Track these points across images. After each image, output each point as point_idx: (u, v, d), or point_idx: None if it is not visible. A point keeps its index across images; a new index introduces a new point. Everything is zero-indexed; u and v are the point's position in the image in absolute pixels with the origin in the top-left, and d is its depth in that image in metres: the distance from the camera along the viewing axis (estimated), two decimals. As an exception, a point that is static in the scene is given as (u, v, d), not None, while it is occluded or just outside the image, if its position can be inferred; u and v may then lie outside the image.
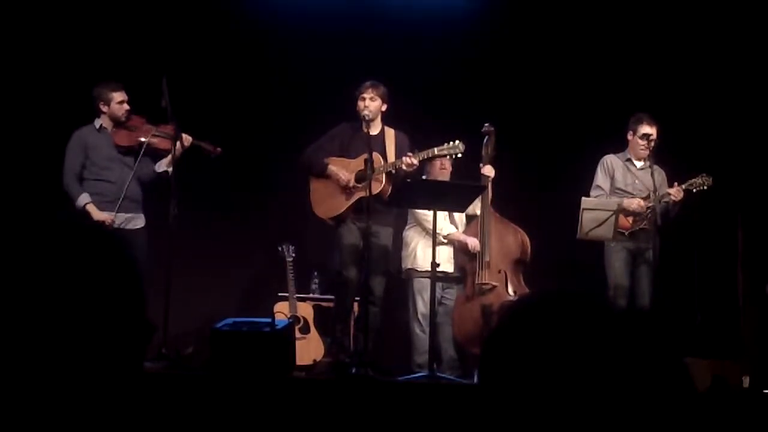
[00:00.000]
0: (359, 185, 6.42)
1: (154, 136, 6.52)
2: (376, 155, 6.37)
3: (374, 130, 6.51)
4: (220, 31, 7.91)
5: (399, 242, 7.00)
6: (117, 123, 6.65)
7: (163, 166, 6.57)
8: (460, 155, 6.43)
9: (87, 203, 6.51)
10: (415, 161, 6.32)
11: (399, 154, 6.47)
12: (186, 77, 7.03)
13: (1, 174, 7.26)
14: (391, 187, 6.42)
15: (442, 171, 6.97)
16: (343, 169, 6.48)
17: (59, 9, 7.64)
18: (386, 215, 6.55)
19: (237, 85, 7.88)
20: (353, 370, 6.09)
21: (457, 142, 6.33)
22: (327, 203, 6.55)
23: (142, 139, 6.54)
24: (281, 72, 7.92)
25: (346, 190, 6.47)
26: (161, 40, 7.62)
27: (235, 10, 8.05)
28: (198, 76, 7.59)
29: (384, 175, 6.37)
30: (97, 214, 6.47)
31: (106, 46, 7.56)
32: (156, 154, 6.61)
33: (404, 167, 6.32)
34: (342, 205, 6.49)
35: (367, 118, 6.42)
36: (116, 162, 6.60)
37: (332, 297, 7.30)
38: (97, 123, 6.69)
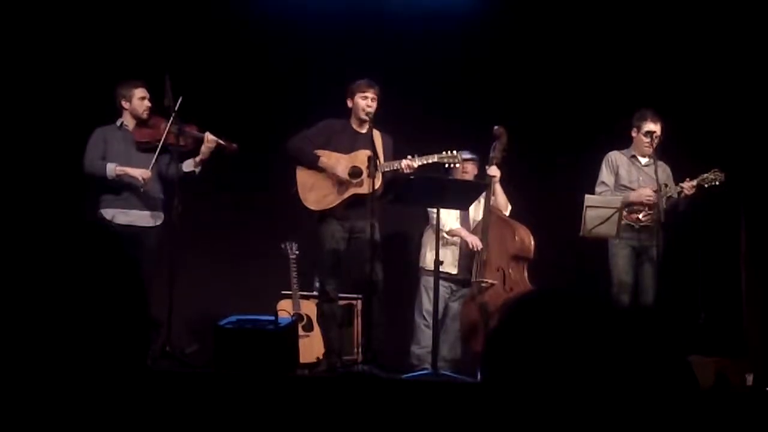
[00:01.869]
0: (353, 181, 6.43)
1: (172, 133, 6.50)
2: (371, 155, 6.41)
3: (364, 129, 6.52)
4: (223, 30, 7.92)
5: (410, 237, 7.08)
6: (139, 121, 6.66)
7: (190, 165, 6.58)
8: (458, 165, 6.52)
9: (116, 167, 6.47)
10: (415, 164, 6.34)
11: (385, 155, 6.49)
12: (189, 75, 7.03)
13: (5, 177, 7.27)
14: (383, 186, 6.45)
15: (464, 174, 7.04)
16: (336, 164, 6.48)
17: (60, 8, 7.65)
18: (373, 211, 6.52)
19: (240, 83, 7.88)
20: (357, 368, 6.11)
21: (455, 152, 6.41)
22: (318, 195, 6.53)
23: (161, 137, 6.53)
24: (285, 70, 7.92)
25: (340, 185, 6.47)
26: (164, 38, 7.62)
27: (238, 9, 8.05)
28: (201, 74, 7.59)
29: (379, 174, 6.39)
30: (133, 171, 6.45)
31: (107, 46, 7.57)
32: (179, 153, 6.60)
33: (403, 169, 6.34)
34: (334, 199, 6.48)
35: (368, 117, 6.44)
36: (135, 159, 6.58)
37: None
38: (119, 122, 6.70)
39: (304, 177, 6.57)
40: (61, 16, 7.63)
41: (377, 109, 6.55)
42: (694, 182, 6.61)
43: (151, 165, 6.47)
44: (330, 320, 6.61)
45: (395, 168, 6.37)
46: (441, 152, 6.42)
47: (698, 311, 7.08)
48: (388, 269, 6.58)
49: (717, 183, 6.60)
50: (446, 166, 6.60)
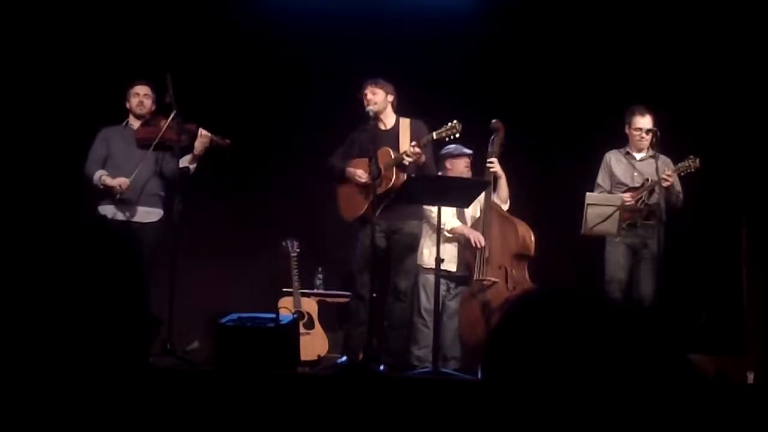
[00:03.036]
0: (374, 182, 6.44)
1: (169, 129, 6.51)
2: (385, 150, 6.40)
3: (388, 124, 6.57)
4: (223, 28, 7.92)
5: None
6: (142, 120, 6.69)
7: (185, 161, 6.59)
8: (458, 135, 6.42)
9: (102, 176, 6.56)
10: (418, 150, 6.32)
11: (415, 141, 6.48)
12: (190, 73, 7.04)
13: (7, 175, 7.28)
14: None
15: (465, 170, 6.98)
16: (359, 168, 6.51)
17: (63, 8, 7.66)
18: (410, 208, 6.56)
19: (241, 81, 7.89)
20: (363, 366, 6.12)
21: (454, 122, 6.32)
22: (350, 205, 6.60)
23: (158, 133, 6.55)
24: (286, 68, 7.93)
25: (364, 189, 6.49)
26: (165, 36, 7.63)
27: (239, 6, 8.06)
28: (202, 72, 7.59)
29: (394, 169, 6.38)
30: (110, 181, 6.53)
31: (109, 43, 7.58)
32: (179, 150, 6.60)
33: (409, 157, 6.33)
34: (362, 204, 6.51)
35: (372, 113, 6.46)
36: (136, 157, 6.60)
37: (337, 293, 7.37)
38: (125, 121, 6.76)
39: (342, 191, 6.65)
40: (65, 16, 7.64)
41: (395, 97, 6.58)
42: (670, 171, 6.61)
43: (137, 168, 6.49)
44: (352, 318, 6.63)
45: (404, 158, 6.36)
46: (439, 128, 6.40)
47: (699, 310, 7.08)
48: (381, 269, 6.60)
49: (692, 170, 6.60)
50: (447, 139, 6.56)
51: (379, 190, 6.34)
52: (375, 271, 6.51)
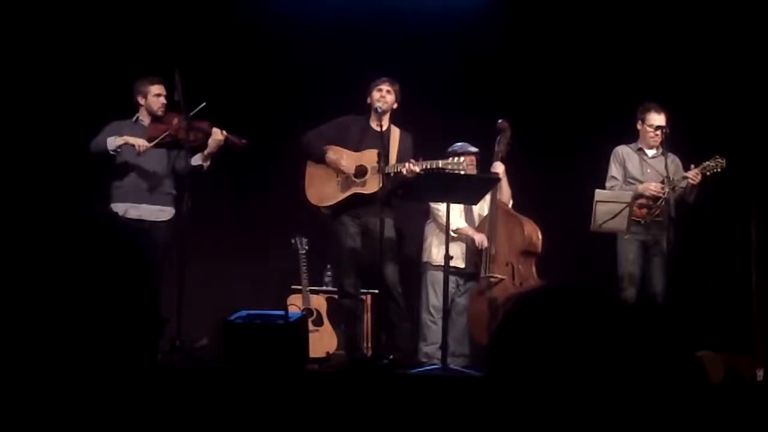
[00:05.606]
0: (357, 180, 6.40)
1: (181, 128, 6.50)
2: (377, 153, 6.34)
3: (382, 126, 6.48)
4: (233, 26, 7.93)
5: (410, 233, 7.05)
6: (154, 117, 6.67)
7: (198, 160, 6.59)
8: (463, 172, 6.39)
9: (116, 138, 6.47)
10: (417, 169, 6.25)
11: (402, 154, 6.42)
12: (199, 71, 7.04)
13: (18, 172, 7.30)
14: (389, 187, 6.36)
15: (469, 167, 6.98)
16: (341, 161, 6.45)
17: (72, 4, 7.67)
18: (384, 208, 6.47)
19: (248, 80, 7.89)
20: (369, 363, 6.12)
21: (462, 159, 6.33)
22: (320, 190, 6.52)
23: (172, 132, 6.55)
24: (293, 67, 7.92)
25: (343, 181, 6.44)
26: (174, 34, 7.63)
27: (249, 4, 8.06)
28: (210, 69, 7.60)
29: (382, 176, 6.29)
30: (132, 139, 6.46)
31: (117, 41, 7.59)
32: (190, 148, 6.59)
33: (405, 173, 6.28)
34: (335, 196, 6.46)
35: (380, 110, 6.39)
36: (148, 155, 6.59)
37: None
38: (135, 117, 6.73)
39: (312, 171, 6.57)
40: (75, 12, 7.65)
41: (398, 106, 6.52)
42: (698, 170, 6.59)
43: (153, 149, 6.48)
44: (351, 316, 6.60)
45: (398, 171, 6.31)
46: (446, 158, 6.36)
47: (708, 306, 7.07)
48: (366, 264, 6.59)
49: (719, 170, 6.57)
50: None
51: (363, 190, 6.31)
52: (361, 268, 6.50)
